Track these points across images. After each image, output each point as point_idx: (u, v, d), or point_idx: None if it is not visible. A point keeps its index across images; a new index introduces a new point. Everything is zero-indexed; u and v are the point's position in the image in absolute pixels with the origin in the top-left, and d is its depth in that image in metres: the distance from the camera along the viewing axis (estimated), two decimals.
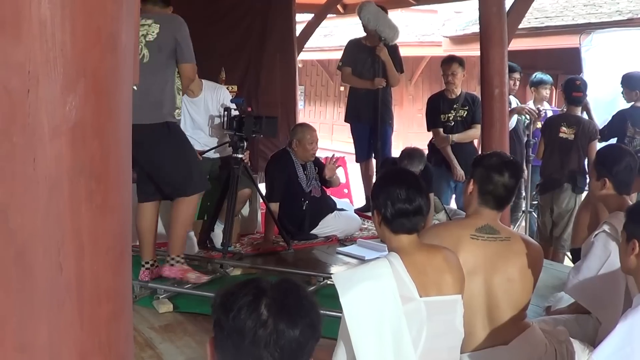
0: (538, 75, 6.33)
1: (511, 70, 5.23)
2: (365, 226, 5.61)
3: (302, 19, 8.76)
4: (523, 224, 6.00)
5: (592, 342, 2.70)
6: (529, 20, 9.67)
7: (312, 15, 8.68)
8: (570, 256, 4.63)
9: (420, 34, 14.10)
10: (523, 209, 6.03)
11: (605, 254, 2.81)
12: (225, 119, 4.65)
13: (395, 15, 7.45)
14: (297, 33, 8.14)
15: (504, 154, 2.85)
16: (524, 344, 2.44)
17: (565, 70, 8.98)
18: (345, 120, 6.35)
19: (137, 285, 3.83)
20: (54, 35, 1.12)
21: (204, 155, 4.78)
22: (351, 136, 6.31)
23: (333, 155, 5.34)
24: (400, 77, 6.20)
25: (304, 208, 5.09)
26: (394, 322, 2.00)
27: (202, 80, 4.87)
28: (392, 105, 6.24)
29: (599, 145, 5.10)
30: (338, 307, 2.09)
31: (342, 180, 6.26)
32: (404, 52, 6.39)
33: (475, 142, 5.86)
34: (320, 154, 5.34)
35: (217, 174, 4.82)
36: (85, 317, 1.19)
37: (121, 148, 1.27)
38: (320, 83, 17.81)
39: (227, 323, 1.29)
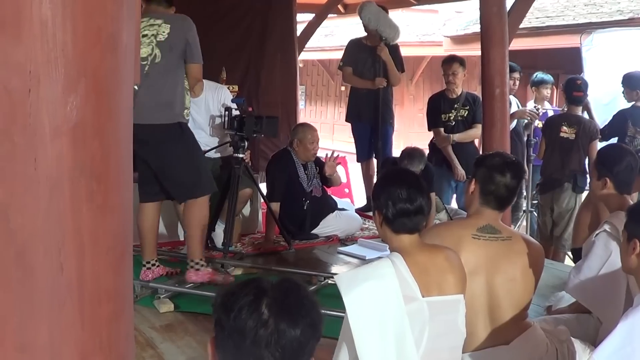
0: (539, 75, 6.33)
1: (511, 70, 5.23)
2: (366, 226, 5.61)
3: (302, 19, 8.77)
4: (524, 223, 6.00)
5: (593, 341, 2.70)
6: (530, 20, 9.67)
7: (313, 15, 8.68)
8: (571, 256, 4.63)
9: (421, 33, 14.09)
10: (524, 208, 6.03)
11: (606, 254, 2.80)
12: (226, 118, 4.65)
13: (396, 15, 7.43)
14: (298, 33, 8.15)
15: (507, 154, 2.85)
16: (525, 344, 2.44)
17: (566, 70, 8.98)
18: (346, 120, 6.35)
19: (138, 285, 3.83)
20: (54, 36, 1.12)
21: (204, 155, 4.78)
22: (352, 136, 6.30)
23: (333, 152, 5.32)
24: (401, 77, 6.20)
25: (304, 208, 5.09)
26: (397, 322, 2.00)
27: (203, 80, 4.86)
28: (393, 104, 6.24)
29: (600, 145, 5.10)
30: (339, 307, 2.09)
31: (343, 179, 6.25)
32: (404, 52, 6.38)
33: (476, 141, 5.86)
34: (321, 153, 5.34)
35: (218, 173, 4.82)
36: (86, 317, 1.19)
37: (122, 148, 1.27)
38: (321, 83, 17.80)
39: (228, 323, 1.29)
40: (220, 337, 1.32)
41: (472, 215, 2.57)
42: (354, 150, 6.27)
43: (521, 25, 5.75)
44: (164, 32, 3.67)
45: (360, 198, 7.04)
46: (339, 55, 6.46)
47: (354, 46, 6.07)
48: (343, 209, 5.52)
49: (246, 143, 4.61)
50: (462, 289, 2.19)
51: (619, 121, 5.46)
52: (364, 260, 4.58)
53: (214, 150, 4.94)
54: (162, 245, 4.34)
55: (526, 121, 5.97)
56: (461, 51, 8.97)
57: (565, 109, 5.59)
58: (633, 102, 5.45)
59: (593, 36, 7.86)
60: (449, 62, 5.74)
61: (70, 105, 1.15)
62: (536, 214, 5.84)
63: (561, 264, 5.10)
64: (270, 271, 4.32)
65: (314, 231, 5.16)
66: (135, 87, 1.40)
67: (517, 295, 2.46)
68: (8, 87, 1.10)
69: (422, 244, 2.22)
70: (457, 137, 5.68)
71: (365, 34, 5.98)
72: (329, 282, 4.04)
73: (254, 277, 1.41)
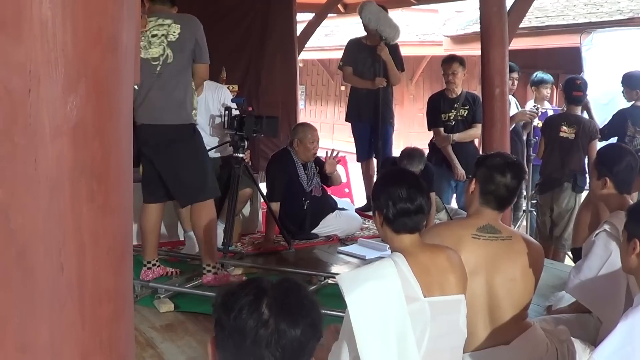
0: (539, 74, 6.33)
1: (509, 70, 5.23)
2: (366, 225, 5.61)
3: (302, 19, 8.76)
4: (524, 223, 6.00)
5: (593, 341, 2.70)
6: (530, 19, 9.67)
7: (313, 14, 8.68)
8: (571, 255, 4.63)
9: (421, 33, 14.09)
10: (524, 208, 6.03)
11: (606, 254, 2.80)
12: (226, 118, 4.66)
13: (396, 15, 7.43)
14: (298, 33, 8.15)
15: (508, 154, 2.85)
16: (525, 344, 2.44)
17: (566, 70, 8.98)
18: (346, 120, 6.35)
19: (138, 285, 3.83)
20: (55, 36, 1.12)
21: None
22: (352, 136, 6.31)
23: (333, 149, 5.32)
24: (401, 76, 6.20)
25: (304, 207, 5.09)
26: (399, 322, 2.00)
27: None
28: (393, 104, 6.24)
29: (600, 145, 5.10)
30: (339, 307, 2.09)
31: (343, 179, 6.25)
32: (404, 51, 6.38)
33: (476, 141, 5.86)
34: (321, 153, 5.34)
35: (218, 173, 4.81)
36: (87, 317, 1.19)
37: (122, 148, 1.27)
38: (321, 82, 17.80)
39: (229, 323, 1.29)
40: (221, 336, 1.32)
41: (472, 215, 2.57)
42: (354, 150, 6.27)
43: (521, 25, 5.75)
44: (174, 32, 3.67)
45: (360, 198, 7.04)
46: (339, 55, 6.46)
47: (354, 46, 6.07)
48: (343, 209, 5.52)
49: (246, 143, 4.61)
50: (463, 288, 2.19)
51: (619, 121, 5.46)
52: (364, 260, 4.59)
53: (214, 150, 4.94)
54: (162, 245, 4.34)
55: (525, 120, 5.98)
56: (461, 51, 8.97)
57: (565, 109, 5.59)
58: (633, 102, 5.45)
59: (593, 36, 7.86)
60: (449, 61, 5.74)
61: (70, 105, 1.15)
62: (535, 214, 5.84)
63: (561, 264, 5.10)
64: (270, 271, 4.32)
65: (314, 231, 5.16)
66: (135, 87, 1.40)
67: (517, 295, 2.46)
68: (8, 87, 1.10)
69: (423, 244, 2.22)
70: (456, 136, 5.68)
71: (365, 33, 5.98)
72: (329, 281, 4.04)
73: (254, 277, 1.41)
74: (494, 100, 4.75)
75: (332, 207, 5.33)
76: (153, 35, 3.65)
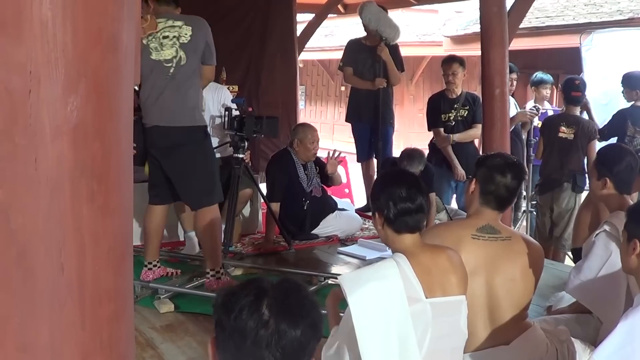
0: (538, 74, 6.33)
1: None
2: (366, 226, 5.61)
3: (302, 19, 8.77)
4: (524, 223, 6.00)
5: (593, 341, 2.70)
6: (530, 19, 9.67)
7: (313, 15, 8.68)
8: (571, 256, 4.63)
9: (421, 33, 14.09)
10: (524, 208, 6.03)
11: (606, 254, 2.80)
12: (226, 119, 4.66)
13: (396, 15, 7.44)
14: (298, 33, 8.15)
15: (508, 155, 2.86)
16: (525, 344, 2.44)
17: (566, 70, 8.98)
18: (346, 120, 6.35)
19: (138, 285, 3.83)
20: (55, 36, 1.12)
21: None
22: (352, 136, 6.31)
23: (334, 150, 5.32)
24: (401, 77, 6.20)
25: (305, 208, 5.09)
26: (401, 323, 2.00)
27: None
28: (393, 104, 6.25)
29: (599, 145, 5.10)
30: (339, 307, 2.09)
31: (343, 180, 6.26)
32: (404, 51, 6.39)
33: (476, 141, 5.86)
34: (321, 153, 5.34)
35: (218, 174, 4.82)
36: (87, 317, 1.19)
37: (122, 148, 1.26)
38: (321, 83, 17.80)
39: (229, 323, 1.29)
40: (221, 337, 1.32)
41: (472, 215, 2.57)
42: (354, 151, 6.27)
43: (521, 25, 5.75)
44: (186, 34, 3.68)
45: (360, 198, 7.04)
46: (339, 55, 6.46)
47: (354, 46, 6.07)
48: (343, 209, 5.52)
49: (246, 143, 4.62)
50: (464, 289, 2.19)
51: (619, 121, 5.46)
52: (364, 261, 4.59)
53: (214, 150, 4.93)
54: (163, 246, 4.34)
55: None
56: (461, 51, 8.98)
57: (564, 109, 5.59)
58: (632, 102, 5.45)
59: (593, 36, 7.86)
60: (449, 62, 5.74)
61: (70, 106, 1.15)
62: (535, 214, 5.84)
63: (561, 264, 5.11)
64: (270, 271, 4.33)
65: (314, 231, 5.17)
66: (136, 88, 1.40)
67: (517, 295, 2.46)
68: (9, 88, 1.10)
69: (424, 244, 2.22)
70: (456, 137, 5.68)
71: (365, 34, 5.98)
72: (329, 282, 4.04)
73: (254, 278, 1.41)
74: (494, 100, 4.76)
75: (332, 207, 5.33)
76: (164, 37, 3.65)
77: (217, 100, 4.94)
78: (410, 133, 14.23)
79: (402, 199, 2.14)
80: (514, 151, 5.41)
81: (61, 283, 1.16)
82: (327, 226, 5.21)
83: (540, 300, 3.50)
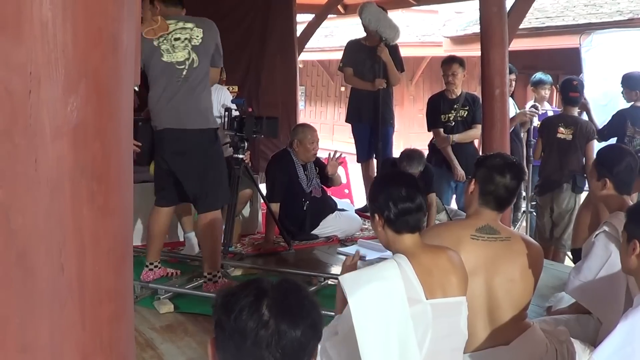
0: (538, 75, 6.34)
1: None
2: (366, 226, 5.61)
3: (302, 20, 8.77)
4: (524, 224, 6.00)
5: (593, 342, 2.70)
6: (530, 20, 9.68)
7: (313, 15, 8.68)
8: (571, 256, 4.63)
9: (420, 34, 14.10)
10: (524, 209, 6.03)
11: (605, 254, 2.81)
12: (226, 119, 4.66)
13: (396, 16, 7.45)
14: (298, 33, 8.15)
15: (508, 155, 2.86)
16: (524, 344, 2.44)
17: (566, 71, 8.98)
18: (346, 121, 6.35)
19: (138, 286, 3.83)
20: (55, 36, 1.12)
21: None
22: (352, 136, 6.31)
23: (335, 151, 5.32)
24: (401, 77, 6.20)
25: (304, 208, 5.09)
26: (401, 324, 2.01)
27: None
28: (393, 105, 6.25)
29: (598, 145, 5.10)
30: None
31: (343, 180, 6.26)
32: (404, 52, 6.39)
33: (476, 142, 5.86)
34: (321, 154, 5.34)
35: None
36: (87, 318, 1.19)
37: (122, 149, 1.26)
38: (320, 83, 17.81)
39: (229, 324, 1.29)
40: (221, 338, 1.32)
41: (471, 215, 2.57)
42: (354, 151, 6.27)
43: (521, 26, 5.75)
44: (197, 36, 3.68)
45: (360, 198, 7.04)
46: (338, 55, 6.46)
47: (353, 47, 6.07)
48: (343, 210, 5.52)
49: (246, 144, 4.61)
50: (464, 290, 2.19)
51: (618, 121, 5.46)
52: (363, 261, 4.58)
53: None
54: (162, 246, 4.34)
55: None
56: (461, 52, 8.98)
57: (562, 110, 5.59)
58: (632, 102, 5.45)
59: (592, 37, 7.86)
60: (449, 62, 5.74)
61: (70, 106, 1.15)
62: (535, 215, 5.84)
63: (561, 265, 5.11)
64: (270, 272, 4.33)
65: (314, 232, 5.17)
66: (136, 89, 1.40)
67: (516, 295, 2.47)
68: (9, 88, 1.10)
69: (424, 244, 2.22)
70: (456, 137, 5.68)
71: (365, 34, 5.98)
72: (329, 282, 4.04)
73: (254, 278, 1.41)
74: (493, 101, 4.75)
75: (332, 207, 5.33)
76: (176, 39, 3.64)
77: (217, 101, 4.93)
78: (410, 133, 14.24)
79: (402, 199, 2.15)
80: (514, 151, 5.41)
81: (61, 283, 1.16)
82: (327, 227, 5.21)
83: (540, 300, 3.50)
